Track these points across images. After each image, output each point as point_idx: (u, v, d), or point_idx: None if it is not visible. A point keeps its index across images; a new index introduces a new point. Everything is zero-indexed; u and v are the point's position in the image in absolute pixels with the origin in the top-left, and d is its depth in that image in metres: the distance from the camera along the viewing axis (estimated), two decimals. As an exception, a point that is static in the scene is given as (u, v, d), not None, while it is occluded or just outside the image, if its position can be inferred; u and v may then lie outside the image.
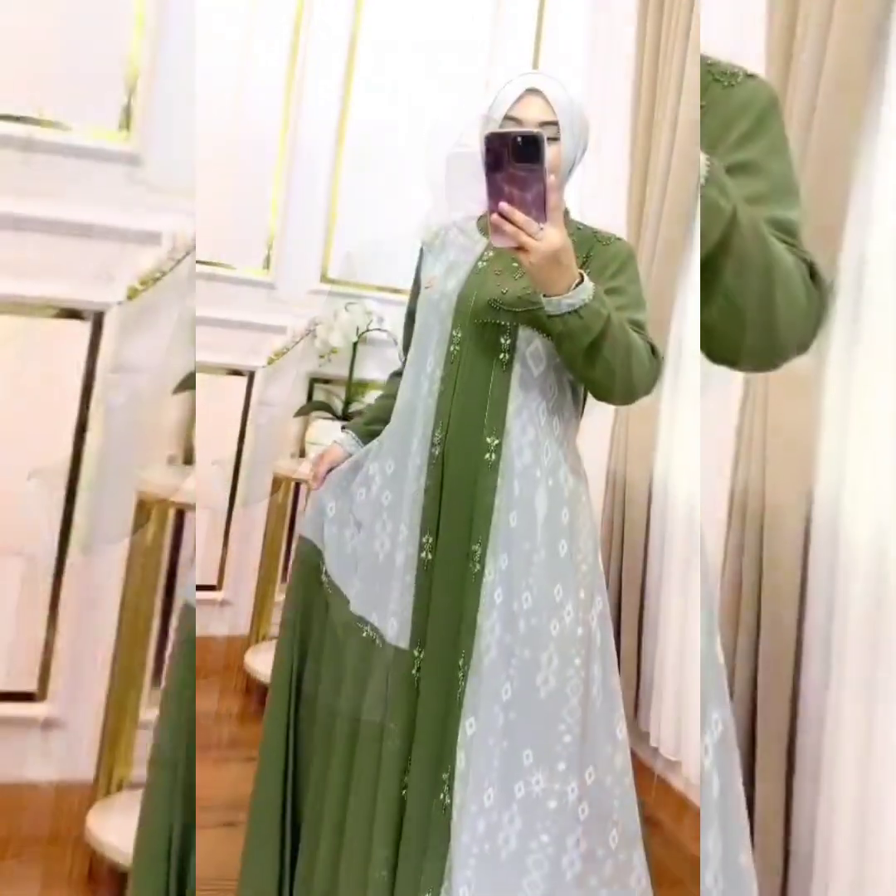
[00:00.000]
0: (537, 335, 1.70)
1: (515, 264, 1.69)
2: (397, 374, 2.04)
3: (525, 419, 1.70)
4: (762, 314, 1.18)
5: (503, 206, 1.41)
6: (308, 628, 1.96)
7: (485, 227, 1.82)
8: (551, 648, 1.65)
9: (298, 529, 2.06)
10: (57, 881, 2.22)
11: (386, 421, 1.91)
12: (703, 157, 1.15)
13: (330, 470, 2.04)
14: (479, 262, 1.79)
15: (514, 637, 1.65)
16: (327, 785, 1.86)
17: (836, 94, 2.01)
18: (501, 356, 1.70)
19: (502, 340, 1.70)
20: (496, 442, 1.68)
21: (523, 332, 1.69)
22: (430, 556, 1.71)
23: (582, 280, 1.49)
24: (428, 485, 1.73)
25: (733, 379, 2.34)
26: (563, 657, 1.65)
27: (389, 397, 1.97)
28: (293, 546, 3.62)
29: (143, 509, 2.31)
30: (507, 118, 1.69)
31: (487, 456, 1.68)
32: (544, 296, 1.50)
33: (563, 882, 1.64)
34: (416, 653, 1.71)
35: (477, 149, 1.62)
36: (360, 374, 3.56)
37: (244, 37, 3.51)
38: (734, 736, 1.42)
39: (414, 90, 3.77)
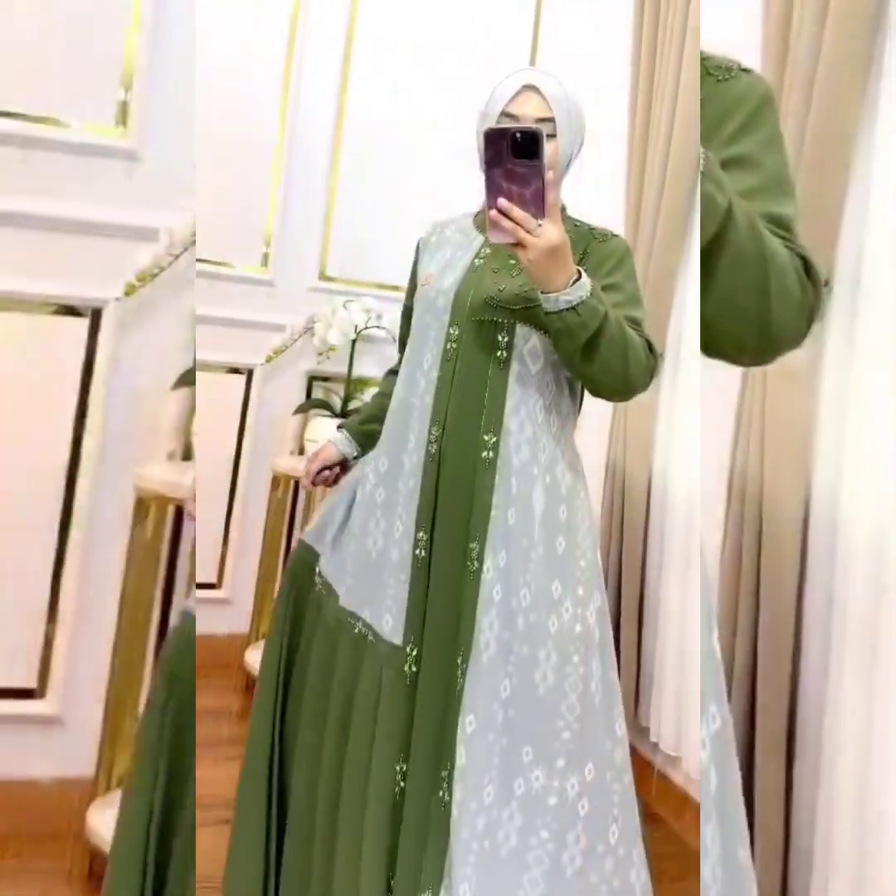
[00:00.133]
0: (535, 333, 1.69)
1: (512, 262, 1.70)
2: (393, 372, 2.05)
3: (523, 416, 1.70)
4: (757, 308, 1.19)
5: (501, 201, 1.41)
6: (298, 627, 1.97)
7: (481, 223, 1.83)
8: (549, 645, 1.64)
9: (300, 533, 2.05)
10: (58, 878, 2.22)
11: (381, 420, 1.91)
12: (702, 151, 1.15)
13: (323, 468, 2.06)
14: (476, 260, 1.79)
15: (512, 634, 1.64)
16: (319, 780, 1.86)
17: (833, 90, 2.01)
18: (499, 354, 1.70)
19: (499, 338, 1.70)
20: (494, 439, 1.68)
21: (520, 330, 1.69)
22: (424, 554, 1.71)
23: (579, 277, 1.49)
24: (423, 482, 1.72)
25: (732, 373, 2.34)
26: (562, 654, 1.65)
27: (385, 396, 1.98)
28: (292, 546, 3.65)
29: (142, 505, 2.31)
30: (504, 114, 1.69)
31: (485, 453, 1.68)
32: (542, 292, 1.50)
33: (564, 878, 1.64)
34: (409, 649, 1.71)
35: None
36: (358, 371, 3.56)
37: (242, 35, 3.51)
38: (732, 730, 1.42)
39: (412, 88, 3.78)
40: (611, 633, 1.78)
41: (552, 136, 1.67)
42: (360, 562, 1.84)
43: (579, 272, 1.49)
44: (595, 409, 3.08)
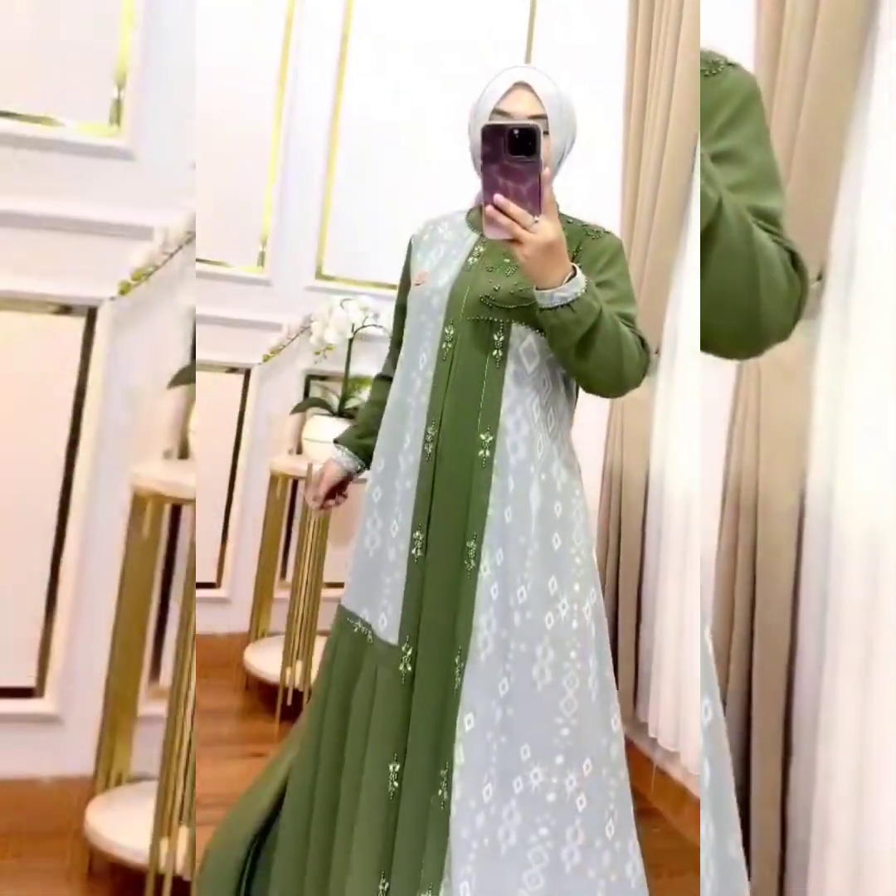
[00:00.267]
0: (531, 331, 1.70)
1: (507, 260, 1.71)
2: (382, 378, 2.06)
3: (519, 415, 1.70)
4: (746, 301, 1.20)
5: (498, 198, 1.41)
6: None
7: (474, 221, 1.84)
8: (546, 641, 1.65)
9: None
10: (57, 877, 2.22)
11: (377, 432, 1.91)
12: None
13: (330, 490, 2.06)
14: (471, 258, 1.78)
15: (509, 632, 1.65)
16: (316, 780, 1.87)
17: (825, 85, 2.01)
18: (495, 353, 1.70)
19: (495, 337, 1.70)
20: (490, 438, 1.68)
21: (516, 329, 1.69)
22: (420, 553, 1.71)
23: (574, 273, 1.49)
24: (420, 482, 1.72)
25: (726, 370, 2.35)
26: (559, 650, 1.65)
27: (377, 404, 1.97)
28: (292, 542, 3.66)
29: (139, 504, 2.31)
30: (496, 112, 1.68)
31: (481, 452, 1.68)
32: (537, 289, 1.50)
33: (563, 874, 1.64)
34: (404, 649, 1.71)
35: None
36: (356, 369, 3.56)
37: (237, 34, 3.52)
38: (723, 723, 1.42)
39: (409, 87, 3.79)
40: (606, 630, 1.78)
41: (545, 133, 1.66)
42: (359, 561, 1.85)
43: (574, 269, 1.50)
44: (592, 407, 3.10)
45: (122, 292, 2.34)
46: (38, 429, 2.37)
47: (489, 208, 1.42)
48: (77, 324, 2.39)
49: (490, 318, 1.70)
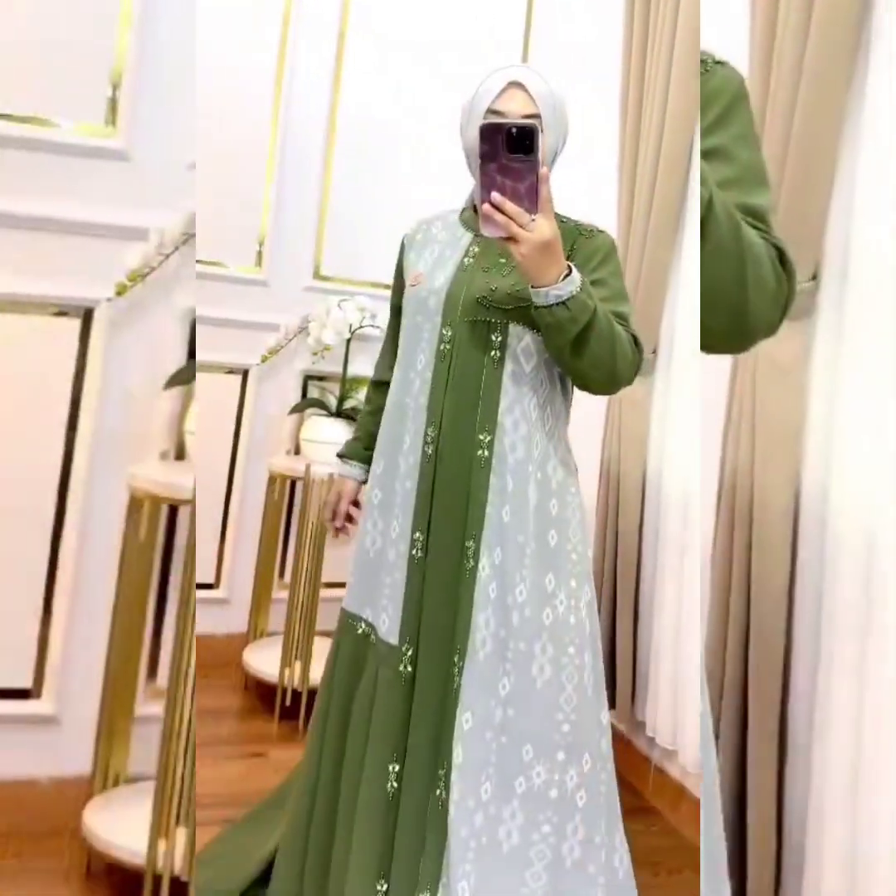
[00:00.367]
0: (528, 331, 1.71)
1: (503, 260, 1.72)
2: (376, 384, 2.08)
3: (517, 415, 1.71)
4: (734, 298, 1.22)
5: (495, 196, 1.42)
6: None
7: (467, 220, 1.85)
8: (544, 638, 1.66)
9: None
10: (55, 877, 2.22)
11: None
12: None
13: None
14: (466, 259, 1.79)
15: (508, 631, 1.66)
16: (318, 781, 1.88)
17: (819, 85, 2.01)
18: (492, 353, 1.71)
19: (493, 337, 1.71)
20: (489, 438, 1.70)
21: (514, 329, 1.71)
22: (420, 554, 1.72)
23: (570, 272, 1.51)
24: (420, 483, 1.74)
25: (721, 369, 2.35)
26: (558, 646, 1.67)
27: (377, 412, 1.98)
28: (290, 543, 3.66)
29: (136, 505, 2.31)
30: (490, 111, 1.68)
31: (480, 452, 1.70)
32: (532, 287, 1.51)
33: (564, 869, 1.66)
34: (405, 649, 1.72)
35: None
36: (353, 370, 3.56)
37: (234, 33, 3.51)
38: (710, 724, 1.43)
39: (406, 86, 3.78)
40: (598, 624, 1.80)
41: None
42: (360, 562, 1.86)
43: (569, 267, 1.51)
44: (591, 408, 3.10)
45: (119, 293, 2.34)
46: (34, 430, 2.37)
47: (486, 206, 1.43)
48: (73, 325, 2.39)
49: (487, 319, 1.71)
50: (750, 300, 1.22)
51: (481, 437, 1.70)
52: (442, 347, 1.74)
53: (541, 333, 1.62)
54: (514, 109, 1.67)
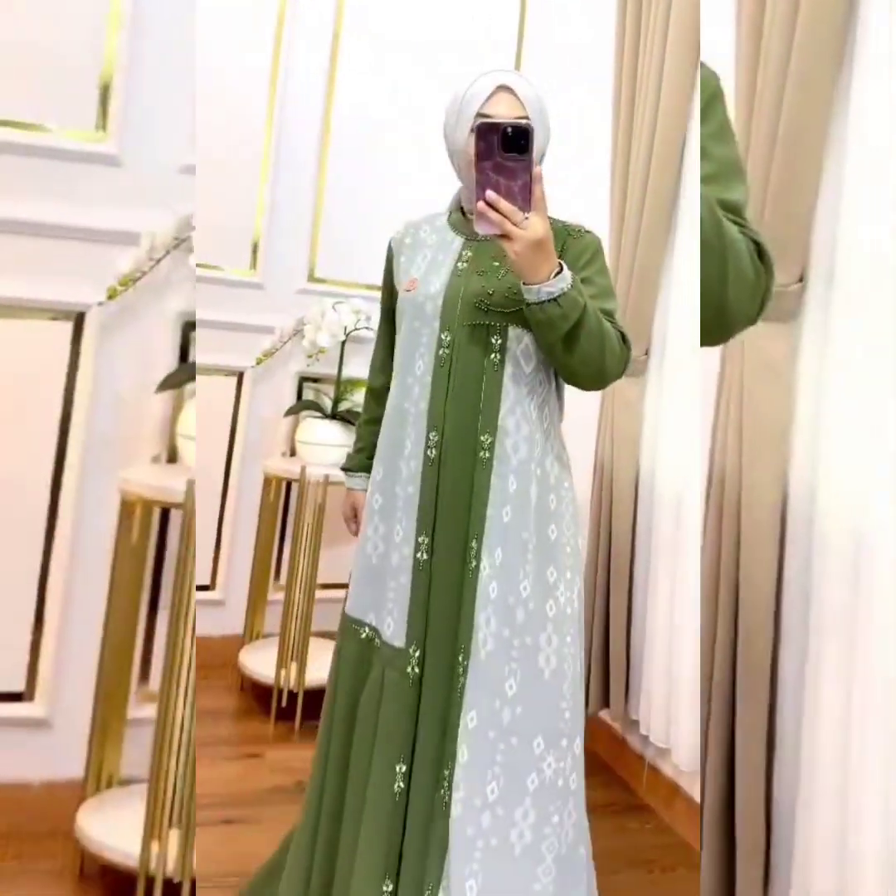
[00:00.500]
0: (527, 333, 1.71)
1: (496, 263, 1.73)
2: (371, 391, 2.08)
3: (519, 416, 1.72)
4: (716, 292, 1.24)
5: (489, 194, 1.44)
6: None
7: (456, 224, 1.86)
8: (549, 629, 1.69)
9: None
10: (48, 878, 2.22)
11: None
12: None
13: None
14: (459, 263, 1.79)
15: (512, 630, 1.67)
16: (324, 784, 1.88)
17: (805, 88, 2.00)
18: (492, 356, 1.72)
19: (492, 340, 1.72)
20: (490, 440, 1.70)
21: (513, 332, 1.71)
22: (425, 556, 1.73)
23: (561, 269, 1.52)
24: (423, 487, 1.74)
25: (709, 369, 2.35)
26: (560, 635, 1.70)
27: (375, 421, 1.97)
28: (286, 544, 3.66)
29: (128, 508, 2.30)
30: (480, 115, 1.68)
31: (482, 454, 1.71)
32: (524, 284, 1.53)
33: (562, 856, 1.69)
34: (412, 651, 1.72)
35: None
36: (348, 372, 3.57)
37: (228, 36, 3.51)
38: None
39: (401, 88, 3.78)
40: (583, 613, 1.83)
41: None
42: (362, 567, 1.86)
43: (560, 265, 1.53)
44: (586, 410, 3.09)
45: (110, 298, 2.34)
46: (26, 434, 2.37)
47: (481, 204, 1.45)
48: (65, 329, 2.39)
49: (486, 322, 1.72)
50: (730, 294, 1.25)
51: (483, 438, 1.70)
52: (441, 352, 1.74)
53: (532, 328, 1.64)
54: (504, 113, 1.67)
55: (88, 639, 2.36)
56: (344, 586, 2.01)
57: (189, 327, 2.53)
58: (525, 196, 1.45)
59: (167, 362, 2.47)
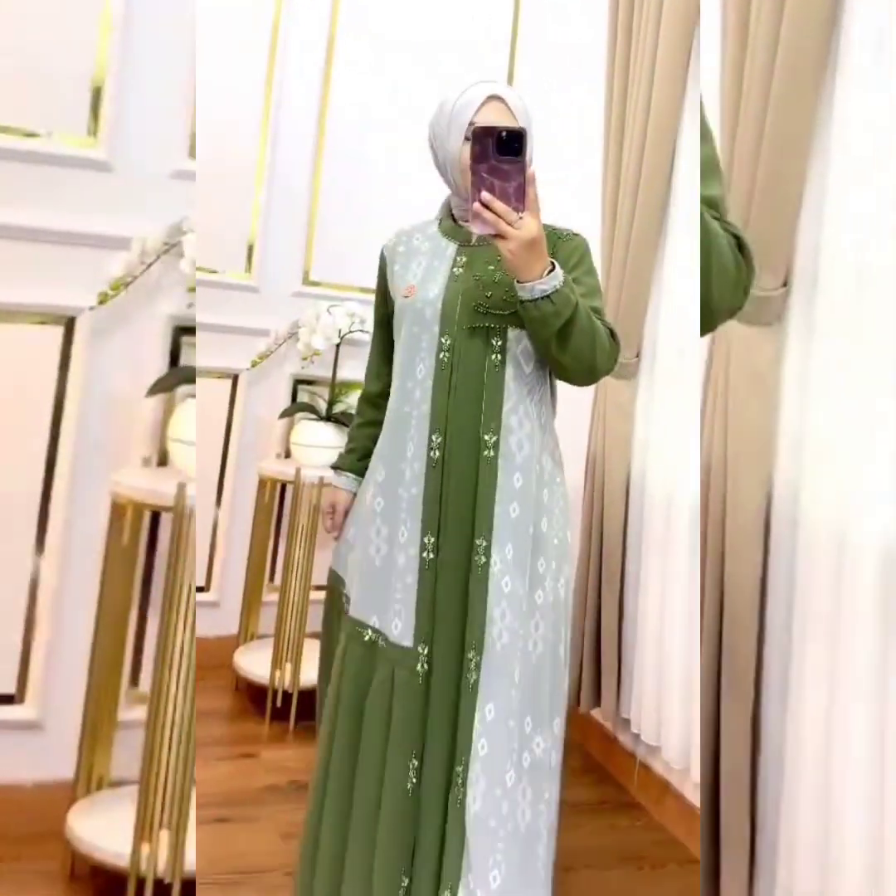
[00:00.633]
0: (525, 334, 1.74)
1: (491, 268, 1.76)
2: (365, 399, 2.10)
3: (520, 414, 1.76)
4: (701, 287, 1.29)
5: (485, 195, 1.49)
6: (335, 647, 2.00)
7: (448, 230, 1.89)
8: (537, 616, 1.74)
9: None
10: (38, 880, 2.21)
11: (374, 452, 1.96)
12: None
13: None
14: (455, 269, 1.82)
15: (520, 621, 1.71)
16: (328, 782, 1.88)
17: (789, 96, 2.01)
18: (494, 357, 1.75)
19: (493, 342, 1.75)
20: (494, 439, 1.73)
21: (512, 333, 1.75)
22: (432, 556, 1.75)
23: (553, 267, 1.57)
24: (427, 487, 1.76)
25: (695, 373, 2.35)
26: (546, 622, 1.75)
27: (370, 425, 2.02)
28: (280, 546, 3.65)
29: (119, 511, 2.30)
30: (471, 124, 1.72)
31: (486, 453, 1.74)
32: (518, 282, 1.57)
33: (553, 832, 1.76)
34: (421, 649, 1.74)
35: None
36: (343, 375, 3.57)
37: (223, 40, 3.50)
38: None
39: (395, 92, 3.77)
40: (571, 600, 1.89)
41: None
42: (365, 570, 1.86)
43: (552, 264, 1.58)
44: (578, 412, 3.09)
45: (101, 302, 2.33)
46: (16, 439, 2.36)
47: (477, 204, 1.49)
48: (56, 334, 2.38)
49: (487, 325, 1.75)
50: (713, 288, 1.30)
51: (486, 437, 1.73)
52: (441, 356, 1.77)
53: (526, 325, 1.67)
54: (495, 121, 1.71)
55: (79, 641, 2.35)
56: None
57: (180, 331, 2.52)
58: (519, 197, 1.49)
59: (158, 366, 2.46)
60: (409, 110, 3.67)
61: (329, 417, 3.51)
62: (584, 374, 1.73)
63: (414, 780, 1.72)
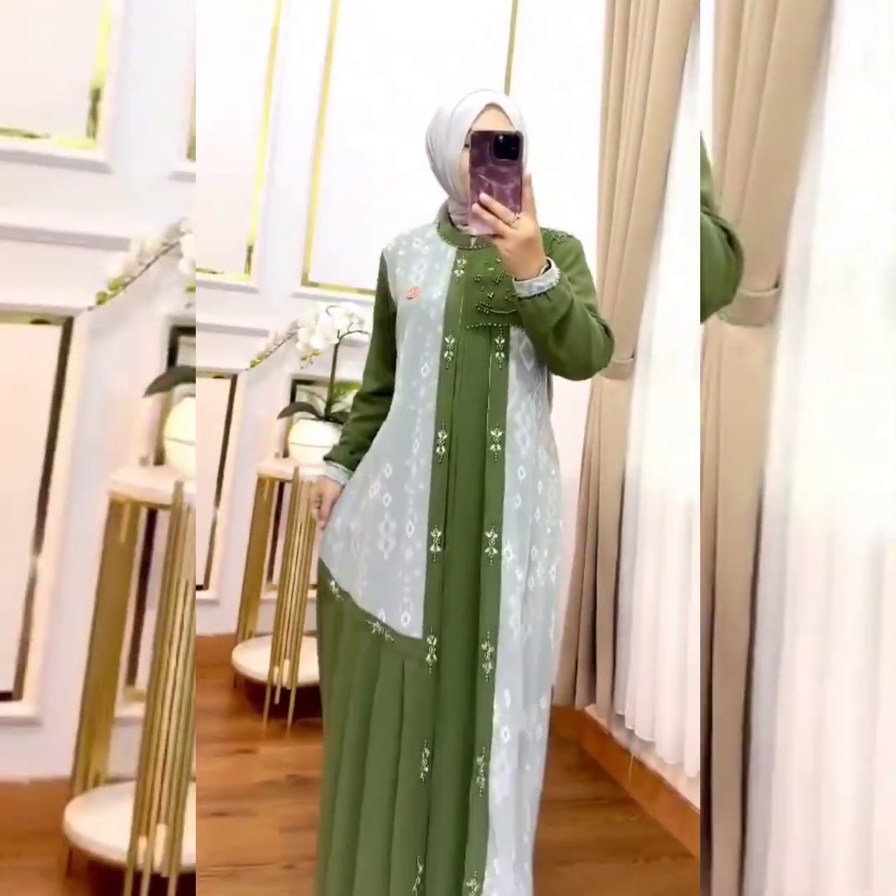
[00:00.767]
0: (526, 333, 1.78)
1: (491, 269, 1.80)
2: (361, 397, 2.13)
3: (523, 410, 1.80)
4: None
5: (483, 196, 1.53)
6: (331, 639, 2.02)
7: (447, 234, 1.93)
8: (529, 601, 1.78)
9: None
10: (35, 876, 2.21)
11: (368, 446, 2.00)
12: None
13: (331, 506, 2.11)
14: (456, 271, 1.85)
15: (523, 608, 1.76)
16: (340, 773, 1.90)
17: (781, 99, 2.02)
18: (497, 355, 1.79)
19: (497, 341, 1.79)
20: (500, 434, 1.76)
21: (515, 332, 1.78)
22: (439, 549, 1.77)
23: (549, 265, 1.61)
24: (434, 483, 1.79)
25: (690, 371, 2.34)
26: (537, 606, 1.79)
27: (365, 419, 2.07)
28: (279, 545, 3.64)
29: (116, 509, 2.29)
30: (471, 131, 1.76)
31: (493, 448, 1.76)
32: (516, 280, 1.60)
33: (535, 802, 1.80)
34: (430, 640, 1.76)
35: None
36: (341, 375, 3.56)
37: (223, 41, 3.49)
38: None
39: (395, 94, 3.77)
40: (559, 585, 1.91)
41: None
42: (373, 564, 1.88)
43: (549, 262, 1.62)
44: (575, 411, 3.08)
45: (100, 302, 2.32)
46: (14, 438, 2.35)
47: (476, 206, 1.54)
48: (54, 333, 2.37)
49: (489, 324, 1.79)
50: (705, 280, 1.33)
51: (493, 433, 1.76)
52: (446, 355, 1.80)
53: (524, 322, 1.70)
54: (493, 127, 1.74)
55: (77, 638, 2.34)
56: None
57: (178, 331, 2.51)
58: (516, 198, 1.53)
59: (156, 366, 2.45)
60: (408, 110, 3.67)
61: (327, 417, 3.51)
62: (580, 369, 1.76)
63: (426, 770, 1.74)
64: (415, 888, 1.73)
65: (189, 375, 2.40)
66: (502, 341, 1.78)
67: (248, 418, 3.69)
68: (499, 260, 1.64)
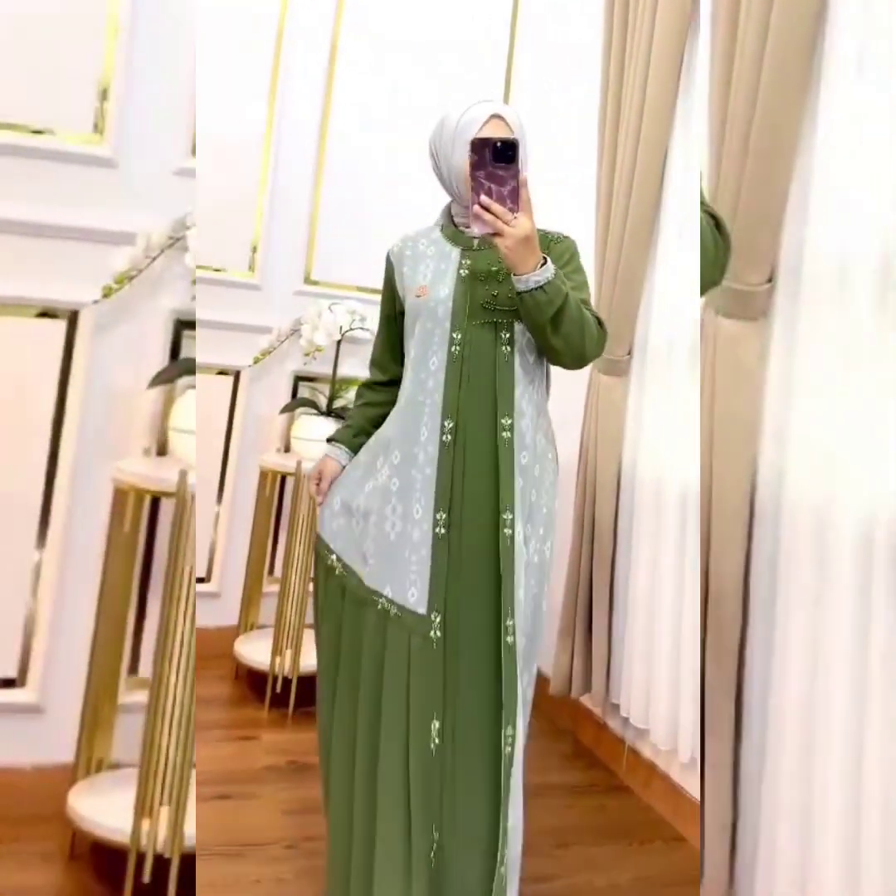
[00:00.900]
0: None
1: (494, 269, 1.86)
2: (366, 385, 2.18)
3: (528, 399, 1.88)
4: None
5: (483, 198, 1.62)
6: (332, 612, 2.05)
7: (451, 236, 1.98)
8: (527, 573, 1.86)
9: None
10: (38, 860, 2.21)
11: (370, 431, 2.06)
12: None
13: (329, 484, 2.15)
14: (461, 271, 1.91)
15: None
16: (355, 745, 1.93)
17: (776, 96, 2.02)
18: (503, 349, 1.86)
19: (502, 335, 1.86)
20: (510, 421, 1.84)
21: (519, 327, 1.86)
22: (443, 531, 1.82)
23: (545, 262, 1.69)
24: (440, 469, 1.85)
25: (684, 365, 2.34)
26: (532, 576, 1.88)
27: (370, 406, 2.13)
28: (280, 538, 3.64)
29: (120, 498, 2.29)
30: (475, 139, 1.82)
31: (504, 435, 1.83)
32: (514, 275, 1.68)
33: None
34: (434, 616, 1.80)
35: None
36: (343, 371, 3.57)
37: (228, 41, 3.49)
38: None
39: (397, 94, 3.77)
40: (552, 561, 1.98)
41: None
42: (379, 544, 1.92)
43: (545, 258, 1.69)
44: (571, 408, 3.07)
45: (105, 296, 2.32)
46: (19, 429, 2.35)
47: (476, 207, 1.62)
48: (59, 327, 2.37)
49: (495, 320, 1.86)
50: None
51: (504, 420, 1.83)
52: (453, 349, 1.86)
53: (522, 315, 1.78)
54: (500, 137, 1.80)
55: (80, 626, 2.35)
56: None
57: (181, 325, 2.51)
58: (514, 199, 1.62)
59: (159, 359, 2.46)
60: (409, 110, 3.68)
61: (329, 412, 3.51)
62: (576, 359, 1.83)
63: (437, 741, 1.77)
64: (431, 854, 1.76)
65: (192, 368, 2.40)
66: (508, 336, 1.85)
67: (251, 414, 3.69)
68: (501, 259, 1.71)
